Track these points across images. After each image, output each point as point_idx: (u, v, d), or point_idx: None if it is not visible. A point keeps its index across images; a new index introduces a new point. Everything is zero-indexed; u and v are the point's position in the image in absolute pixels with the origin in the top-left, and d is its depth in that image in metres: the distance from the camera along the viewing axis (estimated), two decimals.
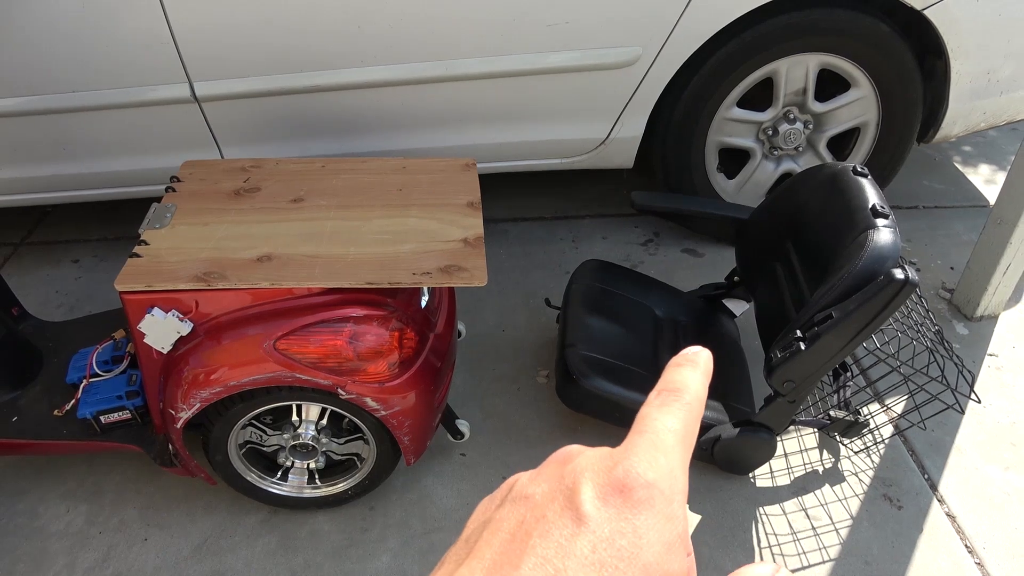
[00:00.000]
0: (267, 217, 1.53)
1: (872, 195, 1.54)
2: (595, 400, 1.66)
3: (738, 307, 2.01)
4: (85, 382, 1.59)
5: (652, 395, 0.30)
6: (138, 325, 1.37)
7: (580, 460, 0.27)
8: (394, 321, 1.43)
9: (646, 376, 1.74)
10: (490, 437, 1.82)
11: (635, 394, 1.66)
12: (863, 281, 1.39)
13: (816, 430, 1.78)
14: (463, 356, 2.02)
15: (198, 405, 1.39)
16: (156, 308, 1.36)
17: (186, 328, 1.37)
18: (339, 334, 1.37)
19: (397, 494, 1.68)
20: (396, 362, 1.44)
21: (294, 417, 1.53)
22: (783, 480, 1.69)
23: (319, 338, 1.37)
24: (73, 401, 1.59)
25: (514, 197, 2.67)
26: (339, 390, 1.40)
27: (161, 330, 1.38)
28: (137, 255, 1.41)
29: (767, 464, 1.70)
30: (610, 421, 1.74)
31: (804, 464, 1.72)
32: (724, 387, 1.79)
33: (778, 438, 1.62)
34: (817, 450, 1.75)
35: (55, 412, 1.62)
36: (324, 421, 1.54)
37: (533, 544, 0.24)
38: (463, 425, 1.74)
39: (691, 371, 0.31)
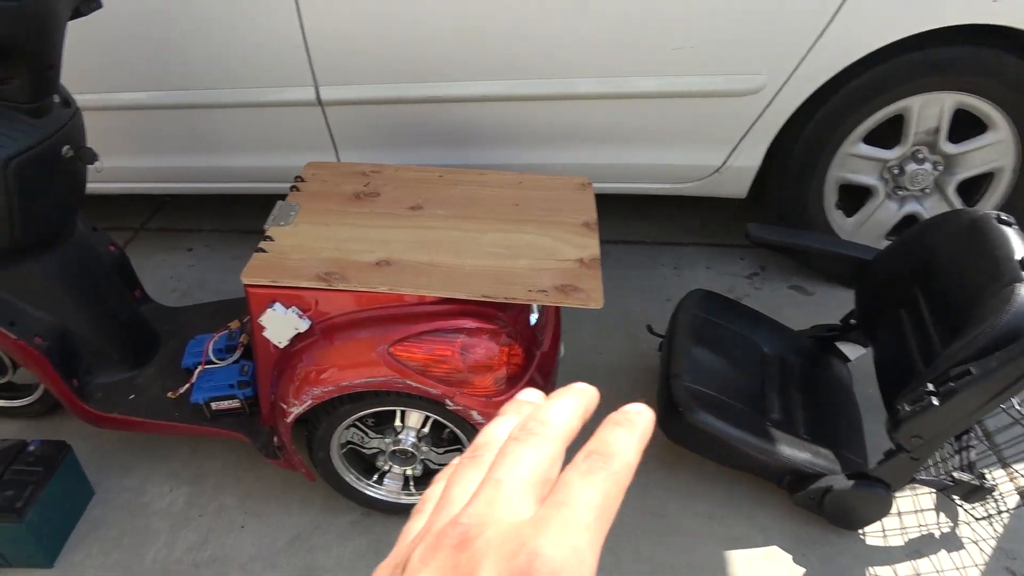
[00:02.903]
0: (386, 222, 1.55)
1: (1019, 246, 1.44)
2: (699, 435, 1.61)
3: (853, 351, 1.92)
4: (200, 368, 1.64)
5: (580, 456, 0.28)
6: (259, 318, 1.40)
7: (479, 543, 0.25)
8: (504, 336, 1.42)
9: (751, 415, 1.67)
10: None
11: (740, 432, 1.59)
12: (1008, 338, 1.30)
13: (935, 491, 1.67)
14: (559, 376, 1.99)
15: (309, 402, 1.42)
16: (278, 303, 1.39)
17: (304, 325, 1.40)
18: (451, 345, 1.37)
19: None
20: (503, 377, 1.43)
21: (397, 422, 1.54)
22: (896, 540, 1.59)
23: (432, 347, 1.37)
24: (187, 386, 1.64)
25: (616, 219, 2.64)
26: (447, 400, 1.39)
27: (281, 325, 1.41)
28: (263, 250, 1.45)
29: (879, 521, 1.60)
30: (711, 457, 1.68)
31: (919, 526, 1.62)
32: (836, 435, 1.71)
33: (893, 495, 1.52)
34: (934, 512, 1.64)
35: (169, 394, 1.68)
36: (426, 429, 1.54)
37: None
38: None
39: (627, 434, 0.30)
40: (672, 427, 1.66)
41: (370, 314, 1.41)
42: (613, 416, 0.31)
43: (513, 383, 1.45)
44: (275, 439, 1.58)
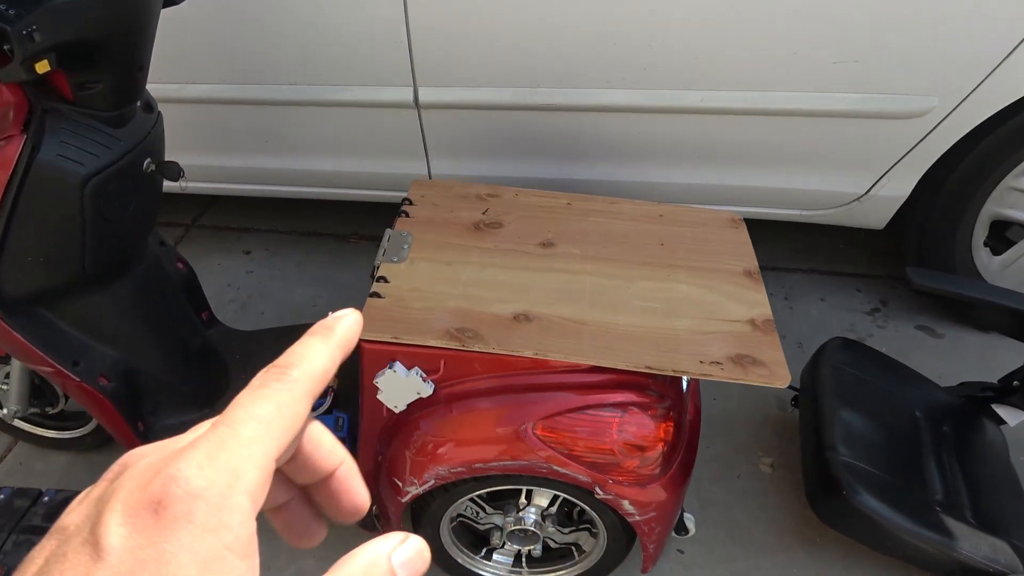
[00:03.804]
0: (515, 262, 1.32)
1: None
2: (859, 519, 1.39)
3: (1012, 416, 1.68)
4: None
5: (261, 371, 0.27)
6: (375, 379, 1.18)
7: (125, 473, 0.23)
8: (659, 410, 1.19)
9: (916, 496, 1.45)
10: (710, 533, 1.57)
11: (908, 520, 1.37)
12: None
13: None
14: None
15: (432, 482, 1.20)
16: (398, 363, 1.17)
17: (428, 390, 1.18)
18: (608, 424, 1.15)
19: None
20: (658, 458, 1.21)
21: (521, 500, 1.32)
22: None
23: (586, 427, 1.14)
24: None
25: None
26: (596, 489, 1.17)
27: (400, 389, 1.18)
28: (378, 295, 1.22)
29: None
30: (866, 543, 1.46)
31: None
32: (1003, 519, 1.48)
33: None
34: None
35: None
36: (553, 509, 1.33)
37: None
38: (689, 521, 1.49)
39: (320, 341, 0.28)
40: (828, 508, 1.44)
41: (507, 381, 1.18)
42: (314, 326, 0.29)
43: (668, 463, 1.23)
44: (374, 508, 1.36)
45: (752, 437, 1.78)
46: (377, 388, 1.19)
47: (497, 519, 1.36)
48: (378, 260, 1.29)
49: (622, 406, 1.16)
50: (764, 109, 1.69)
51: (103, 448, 1.71)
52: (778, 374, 1.14)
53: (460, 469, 1.17)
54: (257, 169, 2.00)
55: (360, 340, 1.14)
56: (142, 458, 0.24)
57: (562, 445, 1.15)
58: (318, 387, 0.27)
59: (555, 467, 1.15)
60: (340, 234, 2.44)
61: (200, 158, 1.98)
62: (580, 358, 1.14)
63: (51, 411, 1.62)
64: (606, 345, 1.16)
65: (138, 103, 1.22)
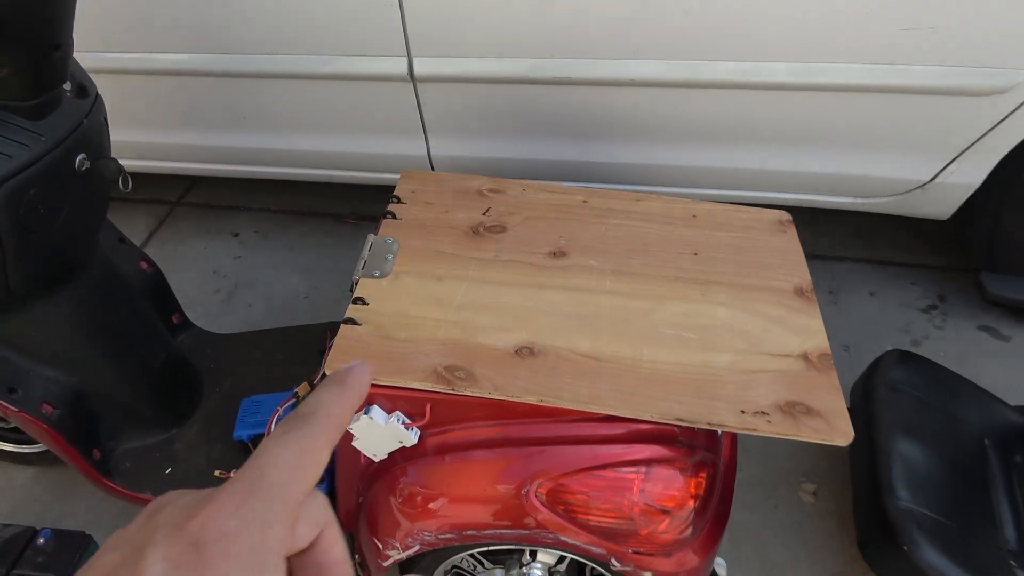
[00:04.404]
0: (520, 278, 1.10)
1: None
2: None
3: None
4: None
5: (282, 421, 0.29)
6: (349, 425, 0.99)
7: (161, 515, 0.24)
8: (689, 465, 0.99)
9: (986, 548, 1.25)
10: None
11: None
12: None
13: None
14: None
15: (417, 547, 1.01)
16: (376, 407, 0.97)
17: (412, 439, 0.98)
18: (628, 485, 0.95)
19: None
20: (687, 518, 1.01)
21: (525, 556, 1.14)
22: None
23: (602, 489, 0.95)
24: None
25: None
26: (612, 560, 0.98)
27: (379, 436, 0.99)
28: (354, 322, 1.02)
29: None
30: None
31: None
32: None
33: None
34: None
35: (217, 473, 1.30)
36: (561, 567, 1.14)
37: None
38: (720, 567, 1.30)
39: (334, 391, 0.30)
40: (884, 562, 1.24)
41: (506, 431, 0.98)
42: (327, 378, 0.31)
43: (699, 522, 1.03)
44: (356, 556, 1.19)
45: (791, 459, 1.57)
46: (353, 435, 1.00)
47: (498, 574, 1.18)
48: (357, 274, 1.09)
49: (646, 462, 0.96)
50: (819, 84, 1.44)
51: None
52: (838, 428, 0.92)
53: (449, 535, 0.99)
54: (236, 148, 1.79)
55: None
56: (178, 498, 0.25)
57: (571, 510, 0.95)
58: (336, 434, 0.28)
59: (563, 537, 0.96)
60: (336, 213, 2.24)
61: (171, 136, 1.78)
62: (596, 406, 0.93)
63: (5, 425, 1.46)
64: (628, 389, 0.95)
65: (65, 88, 1.02)
